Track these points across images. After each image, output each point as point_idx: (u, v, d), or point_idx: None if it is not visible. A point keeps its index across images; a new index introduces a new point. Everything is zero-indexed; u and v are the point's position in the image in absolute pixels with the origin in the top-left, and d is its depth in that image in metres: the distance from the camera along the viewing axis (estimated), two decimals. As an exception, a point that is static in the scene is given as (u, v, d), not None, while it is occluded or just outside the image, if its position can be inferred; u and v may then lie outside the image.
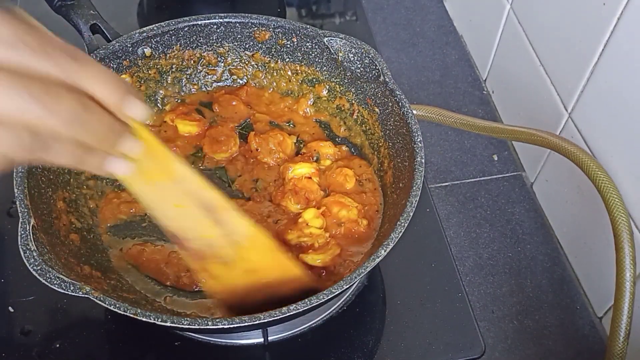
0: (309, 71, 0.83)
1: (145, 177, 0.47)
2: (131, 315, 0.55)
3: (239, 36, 0.82)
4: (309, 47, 0.80)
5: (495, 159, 1.00)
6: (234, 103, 0.83)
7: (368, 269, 0.58)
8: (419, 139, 0.68)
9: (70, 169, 0.73)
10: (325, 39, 0.78)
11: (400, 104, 0.72)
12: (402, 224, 0.61)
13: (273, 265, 0.61)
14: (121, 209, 0.74)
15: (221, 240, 0.57)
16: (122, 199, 0.74)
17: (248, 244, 0.58)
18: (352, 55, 0.77)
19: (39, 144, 0.38)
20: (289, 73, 0.84)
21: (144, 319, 0.55)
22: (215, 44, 0.83)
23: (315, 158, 0.79)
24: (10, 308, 0.73)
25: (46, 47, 0.37)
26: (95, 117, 0.39)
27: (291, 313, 0.56)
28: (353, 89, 0.80)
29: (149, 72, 0.81)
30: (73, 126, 0.38)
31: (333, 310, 0.74)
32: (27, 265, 0.56)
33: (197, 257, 0.57)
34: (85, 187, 0.74)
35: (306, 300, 0.56)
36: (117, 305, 0.55)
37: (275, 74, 0.84)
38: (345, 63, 0.78)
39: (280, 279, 0.62)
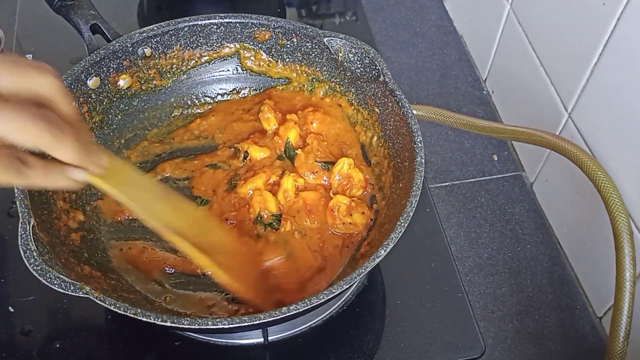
0: (309, 71, 0.83)
1: (112, 179, 0.52)
2: (131, 315, 0.55)
3: (239, 36, 0.82)
4: (309, 47, 0.80)
5: (495, 159, 1.00)
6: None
7: (368, 269, 0.58)
8: (419, 139, 0.68)
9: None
10: (325, 39, 0.78)
11: (400, 104, 0.72)
12: (402, 224, 0.61)
13: (225, 238, 0.68)
14: (122, 209, 0.74)
15: (187, 224, 0.61)
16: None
17: (207, 225, 0.66)
18: (352, 55, 0.77)
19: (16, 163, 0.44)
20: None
21: (144, 319, 0.55)
22: (215, 44, 0.83)
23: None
24: (10, 308, 0.73)
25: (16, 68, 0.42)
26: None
27: (291, 313, 0.56)
28: (353, 89, 0.80)
29: (149, 72, 0.81)
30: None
31: (333, 310, 0.74)
32: (27, 265, 0.56)
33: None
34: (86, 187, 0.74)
35: (306, 300, 0.56)
36: (117, 305, 0.55)
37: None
38: (345, 63, 0.78)
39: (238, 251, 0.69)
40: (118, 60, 0.77)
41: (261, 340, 0.72)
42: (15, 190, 0.62)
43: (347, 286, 0.57)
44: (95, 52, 0.75)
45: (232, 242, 0.69)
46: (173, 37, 0.80)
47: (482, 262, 0.88)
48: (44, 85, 0.43)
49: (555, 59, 0.86)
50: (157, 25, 0.78)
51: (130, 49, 0.78)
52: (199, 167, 0.79)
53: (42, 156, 0.45)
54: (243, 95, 0.86)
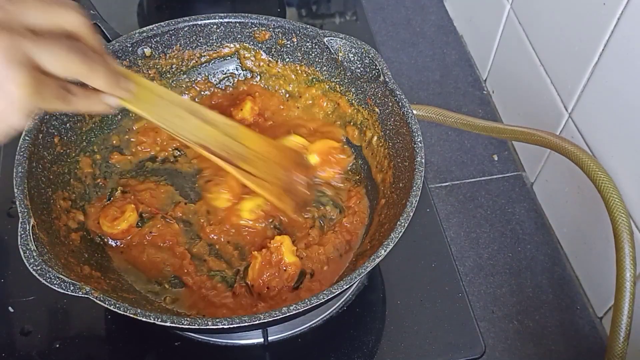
0: (309, 71, 0.83)
1: (140, 97, 0.57)
2: (131, 315, 0.55)
3: (239, 36, 0.82)
4: (309, 47, 0.80)
5: (495, 159, 1.00)
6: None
7: (368, 269, 0.58)
8: (419, 139, 0.68)
9: (70, 169, 0.73)
10: (325, 39, 0.78)
11: (400, 104, 0.72)
12: (402, 224, 0.61)
13: (269, 145, 0.71)
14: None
15: (224, 137, 0.65)
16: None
17: (240, 133, 0.67)
18: (352, 55, 0.77)
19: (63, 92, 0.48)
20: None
21: (144, 319, 0.55)
22: (215, 44, 0.83)
23: None
24: (10, 308, 0.73)
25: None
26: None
27: (291, 313, 0.56)
28: (353, 89, 0.80)
29: (149, 72, 0.81)
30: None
31: (333, 310, 0.74)
32: (27, 265, 0.56)
33: (228, 161, 0.64)
34: (85, 186, 0.74)
35: (306, 300, 0.56)
36: (117, 305, 0.55)
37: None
38: (345, 63, 0.78)
39: (285, 155, 0.72)
40: (118, 60, 0.77)
41: (261, 340, 0.72)
42: (15, 190, 0.62)
43: (347, 286, 0.57)
44: (95, 52, 0.75)
45: (267, 149, 0.70)
46: (173, 37, 0.80)
47: (482, 262, 0.88)
48: (72, 20, 0.47)
49: (555, 59, 0.86)
50: (157, 25, 0.78)
51: (130, 49, 0.78)
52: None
53: (82, 85, 0.49)
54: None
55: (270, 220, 0.74)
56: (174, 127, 0.61)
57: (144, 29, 0.78)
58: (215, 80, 0.86)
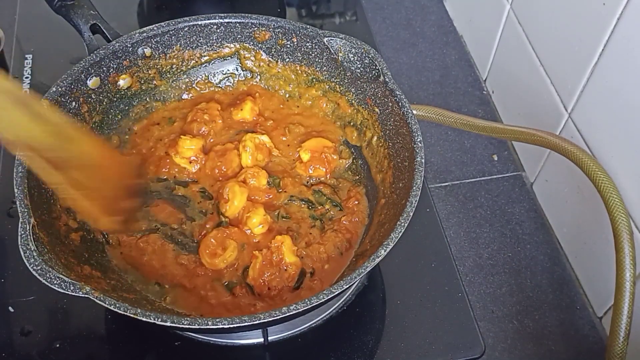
0: (309, 71, 0.83)
1: None
2: (131, 315, 0.55)
3: (239, 36, 0.82)
4: (309, 47, 0.80)
5: (495, 159, 1.00)
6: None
7: (368, 269, 0.58)
8: (419, 139, 0.68)
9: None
10: (325, 39, 0.78)
11: (400, 104, 0.72)
12: (402, 224, 0.61)
13: (97, 151, 0.64)
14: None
15: (45, 135, 0.56)
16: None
17: (68, 133, 0.60)
18: (352, 55, 0.77)
19: None
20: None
21: (144, 319, 0.55)
22: (215, 44, 0.83)
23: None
24: (10, 308, 0.73)
25: None
26: None
27: (291, 313, 0.56)
28: (353, 89, 0.80)
29: (149, 72, 0.81)
30: None
31: (333, 310, 0.74)
32: (27, 265, 0.56)
33: (40, 160, 0.56)
34: None
35: (306, 300, 0.56)
36: (117, 305, 0.55)
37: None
38: (345, 63, 0.78)
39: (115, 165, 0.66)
40: (118, 60, 0.77)
41: (261, 340, 0.72)
42: (16, 190, 0.62)
43: (347, 286, 0.57)
44: (95, 52, 0.75)
45: (96, 155, 0.64)
46: (173, 37, 0.80)
47: (482, 262, 0.88)
48: None
49: (555, 59, 0.86)
50: (157, 25, 0.78)
51: (130, 49, 0.78)
52: None
53: None
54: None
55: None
56: None
57: (144, 29, 0.78)
58: (215, 80, 0.86)
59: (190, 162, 0.78)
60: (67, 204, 0.63)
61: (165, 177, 0.77)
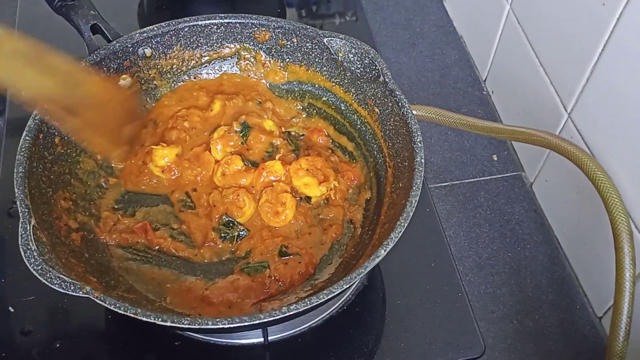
0: (309, 71, 0.83)
1: None
2: (131, 315, 0.55)
3: (239, 36, 0.82)
4: (309, 47, 0.80)
5: (495, 159, 1.00)
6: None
7: (368, 269, 0.58)
8: (419, 139, 0.68)
9: (70, 169, 0.73)
10: (325, 39, 0.78)
11: (400, 104, 0.72)
12: (402, 224, 0.61)
13: (102, 87, 0.68)
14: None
15: (58, 86, 0.60)
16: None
17: (76, 79, 0.63)
18: (352, 55, 0.77)
19: None
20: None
21: (144, 319, 0.55)
22: (215, 45, 0.83)
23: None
24: (10, 308, 0.73)
25: None
26: None
27: (291, 313, 0.56)
28: (353, 89, 0.80)
29: (150, 72, 0.81)
30: None
31: (333, 310, 0.74)
32: (28, 265, 0.56)
33: (57, 110, 0.61)
34: (86, 186, 0.74)
35: (306, 300, 0.56)
36: (118, 305, 0.55)
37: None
38: (345, 63, 0.78)
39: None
40: (118, 61, 0.77)
41: (261, 340, 0.72)
42: (16, 190, 0.62)
43: (347, 286, 0.58)
44: (95, 52, 0.75)
45: (101, 91, 0.68)
46: (173, 38, 0.80)
47: (482, 262, 0.88)
48: None
49: (555, 59, 0.86)
50: (157, 25, 0.78)
51: (131, 49, 0.78)
52: None
53: None
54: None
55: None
56: (8, 83, 0.58)
57: (145, 29, 0.78)
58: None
59: (163, 172, 0.77)
60: (84, 146, 0.68)
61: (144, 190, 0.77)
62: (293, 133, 0.83)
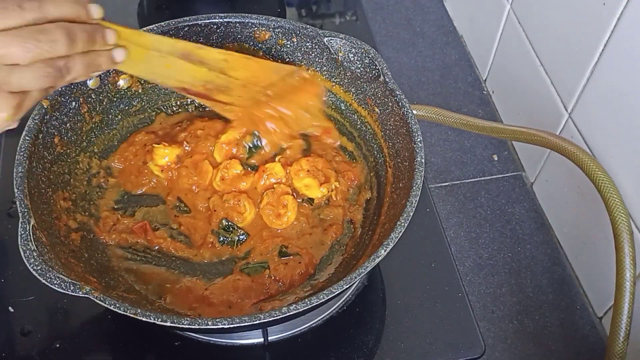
0: (309, 71, 0.82)
1: (133, 57, 0.59)
2: (131, 315, 0.55)
3: (239, 36, 0.82)
4: (309, 47, 0.80)
5: (495, 159, 1.00)
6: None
7: (368, 269, 0.58)
8: (419, 139, 0.68)
9: (70, 169, 0.73)
10: (325, 39, 0.78)
11: (400, 104, 0.72)
12: (402, 224, 0.61)
13: (260, 69, 0.70)
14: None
15: (210, 74, 0.66)
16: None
17: (229, 64, 0.68)
18: (352, 55, 0.77)
19: (56, 70, 0.49)
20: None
21: (144, 319, 0.55)
22: (215, 44, 0.83)
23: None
24: (10, 308, 0.73)
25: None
26: (79, 30, 0.51)
27: (291, 313, 0.56)
28: (353, 89, 0.80)
29: (149, 72, 0.81)
30: (72, 45, 0.49)
31: (333, 310, 0.74)
32: (27, 265, 0.56)
33: (204, 96, 0.66)
34: (85, 186, 0.74)
35: (306, 300, 0.56)
36: (117, 305, 0.55)
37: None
38: (345, 63, 0.78)
39: (273, 80, 0.71)
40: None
41: (261, 340, 0.72)
42: (16, 191, 0.62)
43: (347, 286, 0.57)
44: (95, 52, 0.75)
45: (246, 70, 0.70)
46: (173, 37, 0.80)
47: (482, 262, 0.88)
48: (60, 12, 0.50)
49: (555, 59, 0.86)
50: (157, 25, 0.78)
51: (130, 49, 0.78)
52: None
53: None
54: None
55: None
56: (162, 78, 0.64)
57: (144, 29, 0.78)
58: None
59: (162, 171, 0.77)
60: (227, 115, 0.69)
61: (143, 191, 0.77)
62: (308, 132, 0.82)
